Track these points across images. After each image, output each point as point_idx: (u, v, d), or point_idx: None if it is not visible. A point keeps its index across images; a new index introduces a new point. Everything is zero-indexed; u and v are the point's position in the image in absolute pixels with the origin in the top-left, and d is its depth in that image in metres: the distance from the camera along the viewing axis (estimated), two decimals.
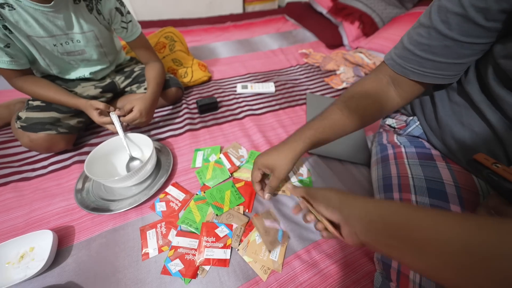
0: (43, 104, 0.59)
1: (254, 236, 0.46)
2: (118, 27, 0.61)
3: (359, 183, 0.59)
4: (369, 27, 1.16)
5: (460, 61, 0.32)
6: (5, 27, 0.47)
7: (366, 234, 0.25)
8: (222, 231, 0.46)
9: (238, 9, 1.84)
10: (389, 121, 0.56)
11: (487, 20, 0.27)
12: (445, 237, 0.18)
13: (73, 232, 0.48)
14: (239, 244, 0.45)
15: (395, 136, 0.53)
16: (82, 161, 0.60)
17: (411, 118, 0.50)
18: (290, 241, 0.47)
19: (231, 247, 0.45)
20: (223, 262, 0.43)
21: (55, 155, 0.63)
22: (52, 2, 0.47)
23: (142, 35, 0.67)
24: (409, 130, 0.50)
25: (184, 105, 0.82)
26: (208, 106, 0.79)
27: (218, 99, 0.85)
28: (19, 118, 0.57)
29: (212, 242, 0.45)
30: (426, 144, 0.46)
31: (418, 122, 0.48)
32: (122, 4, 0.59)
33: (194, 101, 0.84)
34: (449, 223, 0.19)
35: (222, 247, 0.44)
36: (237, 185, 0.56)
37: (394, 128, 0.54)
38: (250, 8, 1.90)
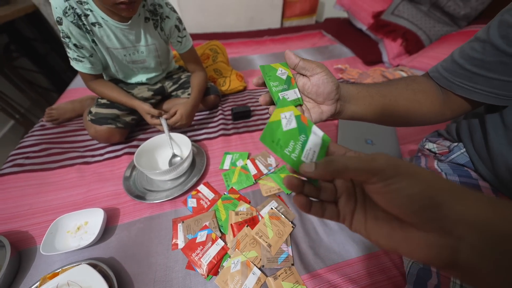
0: (108, 103, 0.71)
1: (230, 263, 0.44)
2: (174, 41, 0.71)
3: None
4: (413, 45, 1.11)
5: None
6: (93, 41, 0.60)
7: (487, 256, 0.14)
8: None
9: (276, 24, 1.92)
10: (430, 145, 0.52)
11: None
12: None
13: (118, 214, 0.55)
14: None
15: (435, 162, 0.49)
16: (131, 153, 0.70)
17: (455, 144, 0.46)
18: (309, 258, 0.47)
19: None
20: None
21: (111, 145, 0.74)
22: (129, 21, 0.58)
23: (192, 48, 0.76)
24: (452, 157, 0.46)
25: (220, 111, 0.88)
26: (242, 114, 0.84)
27: (251, 108, 0.90)
28: (90, 112, 0.69)
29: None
30: (473, 174, 0.42)
31: (464, 150, 0.44)
32: (180, 22, 0.69)
33: (229, 108, 0.90)
34: None
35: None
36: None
37: (435, 153, 0.50)
38: (288, 23, 1.97)
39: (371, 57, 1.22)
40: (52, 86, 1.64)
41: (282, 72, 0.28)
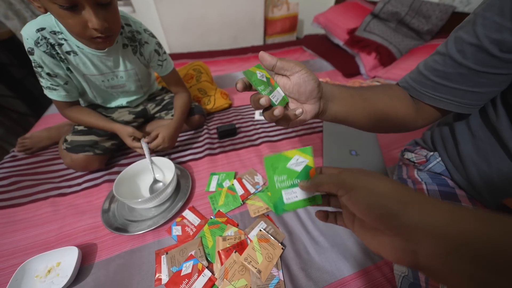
0: (85, 129, 0.68)
1: None
2: (155, 65, 0.71)
3: None
4: (386, 58, 1.18)
5: (477, 89, 0.32)
6: (68, 69, 0.58)
7: (443, 260, 0.15)
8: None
9: (259, 42, 2.00)
10: (409, 155, 0.53)
11: (502, 52, 0.27)
12: None
13: (95, 250, 0.51)
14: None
15: (415, 171, 0.50)
16: (112, 180, 0.66)
17: (431, 153, 0.47)
18: (301, 282, 0.45)
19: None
20: None
21: (89, 173, 0.70)
22: (106, 49, 0.58)
23: (174, 70, 0.76)
24: (429, 166, 0.47)
25: (205, 130, 0.88)
26: (228, 132, 0.84)
27: (237, 125, 0.90)
28: (65, 140, 0.66)
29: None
30: (450, 182, 0.43)
31: (440, 159, 0.46)
32: (160, 46, 0.70)
33: (215, 126, 0.90)
34: None
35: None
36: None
37: (414, 162, 0.51)
38: (270, 41, 2.06)
39: (350, 69, 1.29)
40: (29, 111, 1.57)
41: (261, 75, 0.28)
